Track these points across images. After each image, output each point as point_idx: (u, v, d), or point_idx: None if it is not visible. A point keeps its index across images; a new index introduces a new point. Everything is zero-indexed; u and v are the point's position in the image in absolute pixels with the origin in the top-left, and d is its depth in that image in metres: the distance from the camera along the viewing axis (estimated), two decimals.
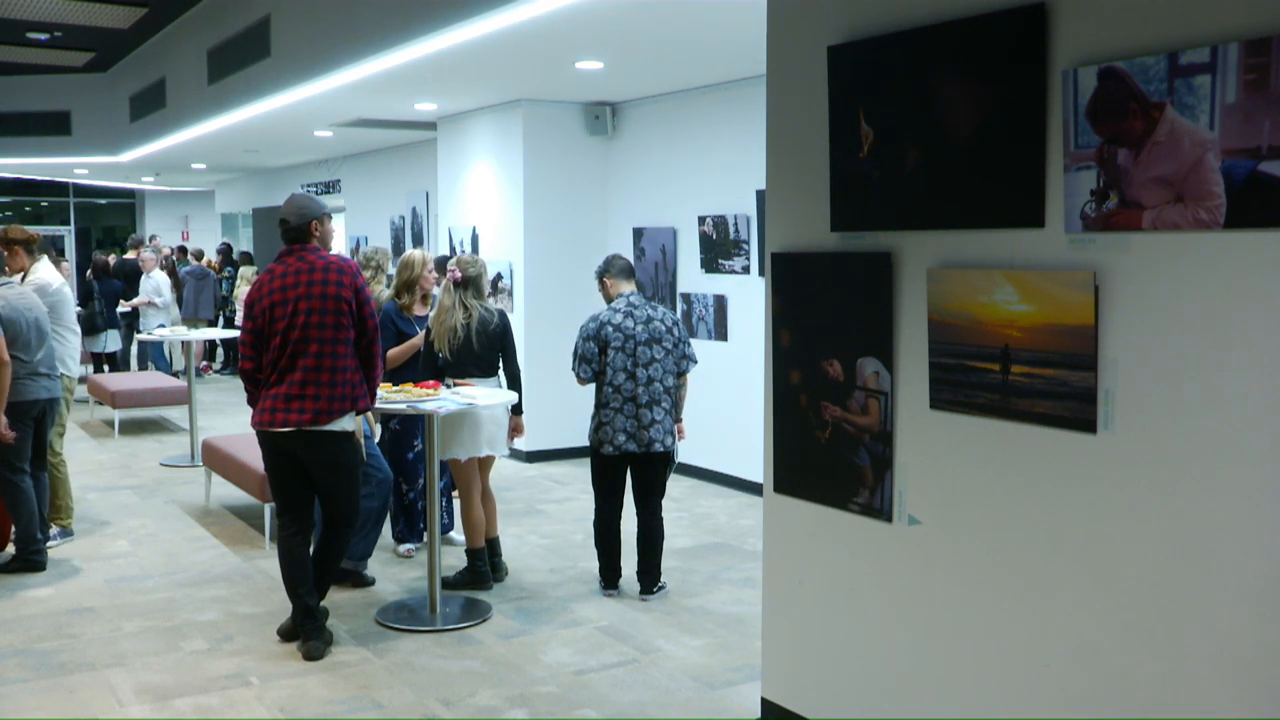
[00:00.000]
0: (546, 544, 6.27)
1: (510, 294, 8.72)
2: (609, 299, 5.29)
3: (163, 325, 12.05)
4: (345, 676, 4.32)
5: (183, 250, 16.31)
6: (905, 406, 3.30)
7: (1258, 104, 2.41)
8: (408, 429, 5.93)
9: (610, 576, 5.33)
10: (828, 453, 3.55)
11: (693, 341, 6.17)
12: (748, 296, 7.42)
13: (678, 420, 5.22)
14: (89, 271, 12.95)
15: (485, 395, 5.07)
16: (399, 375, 5.65)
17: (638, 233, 8.44)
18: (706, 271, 7.82)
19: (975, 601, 3.13)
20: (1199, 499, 2.59)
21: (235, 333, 8.84)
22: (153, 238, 17.59)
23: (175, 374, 13.04)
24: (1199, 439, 2.58)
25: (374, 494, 5.43)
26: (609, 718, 3.97)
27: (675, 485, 7.18)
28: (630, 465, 5.20)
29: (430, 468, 4.95)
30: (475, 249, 9.21)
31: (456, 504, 6.03)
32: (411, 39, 6.48)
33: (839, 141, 3.41)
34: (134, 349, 13.93)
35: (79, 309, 10.94)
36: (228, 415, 10.88)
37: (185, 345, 9.67)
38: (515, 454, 8.56)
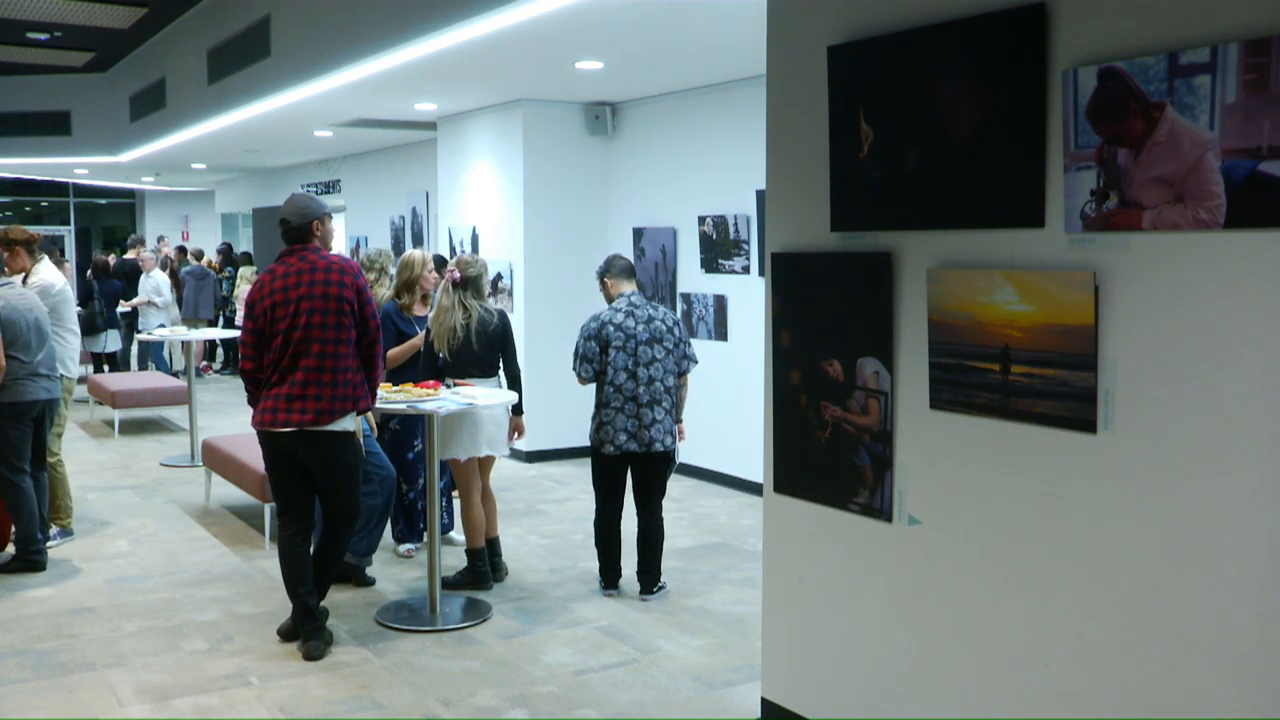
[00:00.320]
0: (546, 544, 6.27)
1: (510, 294, 8.72)
2: (610, 299, 5.29)
3: (163, 325, 12.06)
4: (345, 676, 4.32)
5: (182, 250, 16.31)
6: (905, 406, 3.30)
7: (1258, 104, 2.41)
8: (408, 429, 5.93)
9: (610, 576, 5.33)
10: (828, 453, 3.55)
11: (693, 341, 6.16)
12: (748, 296, 7.42)
13: (678, 421, 5.22)
14: (89, 271, 12.96)
15: (485, 395, 5.07)
16: (399, 375, 5.66)
17: (638, 233, 8.45)
18: (706, 271, 7.82)
19: (975, 601, 3.13)
20: (1199, 499, 2.60)
21: (235, 333, 8.84)
22: (161, 238, 17.61)
23: (175, 374, 13.05)
24: (1199, 439, 2.58)
25: (376, 491, 5.43)
26: (609, 718, 3.97)
27: (675, 485, 7.18)
28: (631, 465, 5.20)
29: (430, 468, 4.95)
30: (475, 249, 9.21)
31: (456, 504, 6.03)
32: (411, 39, 6.48)
33: (839, 141, 3.41)
34: (134, 349, 13.93)
35: (79, 309, 10.94)
36: (228, 415, 10.88)
37: (185, 345, 9.67)
38: (515, 454, 8.56)
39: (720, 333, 7.75)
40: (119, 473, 8.32)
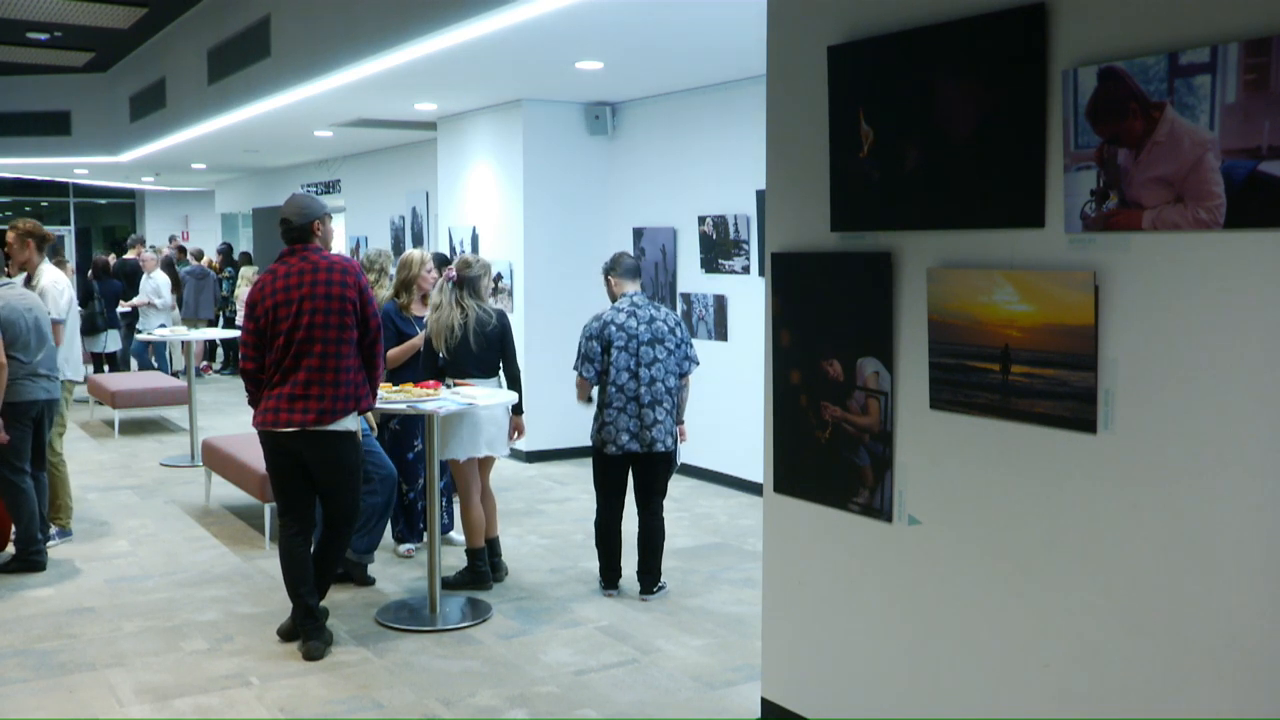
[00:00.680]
0: (546, 544, 6.27)
1: (510, 294, 8.72)
2: (613, 297, 5.29)
3: (163, 325, 12.06)
4: (345, 676, 4.32)
5: (181, 250, 16.32)
6: (905, 406, 3.30)
7: (1258, 104, 2.41)
8: (408, 429, 5.93)
9: (610, 576, 5.33)
10: (828, 453, 3.55)
11: (693, 341, 6.17)
12: (748, 296, 7.42)
13: (679, 422, 5.22)
14: (89, 271, 12.96)
15: (485, 395, 5.07)
16: (399, 375, 5.66)
17: (638, 233, 8.44)
18: (706, 271, 7.82)
19: (975, 601, 3.13)
20: (1199, 499, 2.60)
21: (235, 333, 8.84)
22: (171, 238, 17.60)
23: (175, 374, 13.05)
24: (1199, 439, 2.59)
25: (377, 490, 5.43)
26: (609, 718, 3.97)
27: (675, 485, 7.18)
28: (632, 465, 5.20)
29: (430, 468, 4.95)
30: (475, 249, 9.21)
31: (456, 504, 6.03)
32: (411, 39, 6.48)
33: (839, 141, 3.41)
34: (134, 349, 13.93)
35: (79, 309, 10.93)
36: (228, 415, 10.88)
37: (185, 345, 9.67)
38: (515, 454, 8.56)
39: (720, 333, 7.75)
40: (119, 473, 8.32)
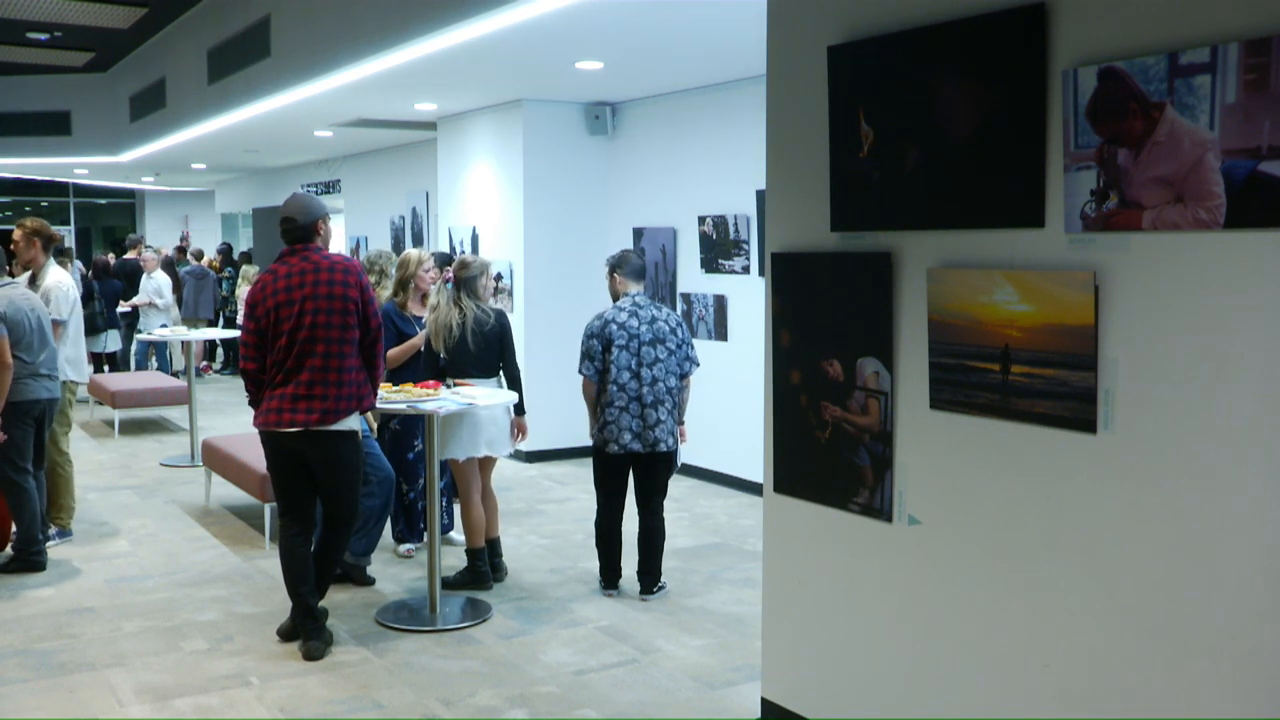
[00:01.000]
0: (546, 544, 6.27)
1: (510, 294, 8.72)
2: (614, 294, 5.28)
3: (164, 325, 12.06)
4: (345, 676, 4.32)
5: (181, 250, 16.31)
6: (905, 406, 3.30)
7: (1258, 104, 2.41)
8: (408, 429, 5.93)
9: (610, 576, 5.33)
10: (828, 453, 3.55)
11: (693, 342, 6.16)
12: (748, 296, 7.42)
13: (680, 423, 5.22)
14: (89, 271, 12.96)
15: (485, 395, 5.07)
16: (399, 375, 5.65)
17: (638, 233, 8.44)
18: (706, 271, 7.82)
19: (975, 601, 3.13)
20: (1199, 499, 2.60)
21: (235, 333, 8.84)
22: (183, 237, 17.59)
23: (175, 374, 13.05)
24: (1199, 439, 2.59)
25: (375, 492, 5.43)
26: (609, 718, 3.97)
27: (675, 485, 7.17)
28: (633, 465, 5.20)
29: (430, 468, 4.95)
30: (475, 249, 9.21)
31: (457, 504, 6.03)
32: (411, 39, 6.48)
33: (839, 141, 3.41)
34: (134, 349, 13.94)
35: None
36: (228, 415, 10.88)
37: (185, 345, 9.67)
38: (515, 454, 8.56)
39: (720, 333, 7.75)
40: (119, 473, 8.32)
